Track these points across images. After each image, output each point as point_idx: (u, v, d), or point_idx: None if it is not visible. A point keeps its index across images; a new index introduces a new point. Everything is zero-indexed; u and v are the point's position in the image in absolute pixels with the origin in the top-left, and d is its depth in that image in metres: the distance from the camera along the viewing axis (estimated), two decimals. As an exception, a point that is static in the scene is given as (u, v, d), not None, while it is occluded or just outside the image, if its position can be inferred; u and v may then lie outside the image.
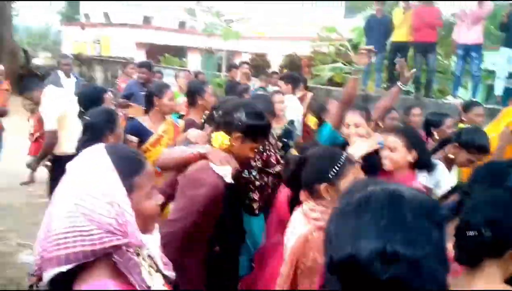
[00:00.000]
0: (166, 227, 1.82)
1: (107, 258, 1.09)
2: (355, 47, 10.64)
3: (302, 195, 1.85)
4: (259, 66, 19.26)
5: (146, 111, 3.61)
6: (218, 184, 1.98)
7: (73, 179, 1.11)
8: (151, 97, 3.52)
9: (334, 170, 1.72)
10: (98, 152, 1.16)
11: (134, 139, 3.39)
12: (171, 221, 1.95)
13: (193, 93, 3.77)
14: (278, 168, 2.88)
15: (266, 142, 2.87)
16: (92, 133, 2.54)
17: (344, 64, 11.63)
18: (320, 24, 15.96)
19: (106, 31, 23.75)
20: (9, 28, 15.96)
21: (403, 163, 2.44)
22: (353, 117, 2.82)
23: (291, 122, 4.06)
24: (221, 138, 2.06)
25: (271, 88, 8.18)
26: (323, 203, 1.73)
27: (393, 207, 0.84)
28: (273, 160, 2.89)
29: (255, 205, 2.69)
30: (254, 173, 2.73)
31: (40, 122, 5.96)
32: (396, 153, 2.44)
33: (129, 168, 1.15)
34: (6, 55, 15.45)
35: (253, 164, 2.72)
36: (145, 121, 3.52)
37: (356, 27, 10.30)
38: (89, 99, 3.24)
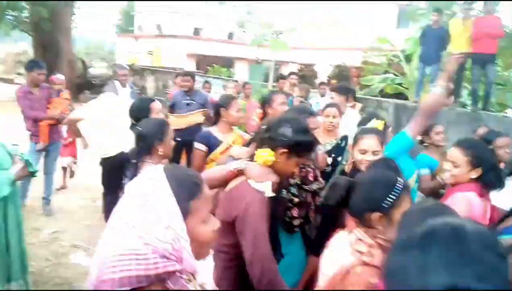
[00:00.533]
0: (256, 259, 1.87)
1: (160, 284, 1.07)
2: (408, 58, 10.34)
3: (349, 222, 1.72)
4: (306, 76, 19.21)
5: (215, 122, 3.72)
6: (260, 198, 1.95)
7: (131, 201, 1.10)
8: (218, 108, 3.64)
9: (389, 199, 1.57)
10: (156, 174, 1.13)
11: (203, 148, 3.50)
12: (252, 252, 1.93)
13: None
14: (315, 186, 2.75)
15: None
16: (143, 143, 2.67)
17: (396, 75, 11.32)
18: (371, 34, 15.71)
19: (158, 42, 24.48)
20: (68, 40, 16.77)
21: (463, 179, 2.34)
22: (371, 142, 2.59)
23: (344, 138, 3.83)
24: (265, 154, 2.01)
25: (317, 98, 8.11)
26: (373, 232, 1.60)
27: (459, 241, 0.82)
28: (310, 177, 2.76)
29: (296, 222, 2.59)
30: (292, 190, 2.63)
31: (72, 127, 6.25)
32: (458, 169, 2.34)
33: (186, 191, 1.12)
34: (65, 65, 16.24)
35: (292, 181, 2.62)
36: (214, 131, 3.62)
37: (409, 38, 10.01)
38: (138, 110, 3.33)
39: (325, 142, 3.58)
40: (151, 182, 1.11)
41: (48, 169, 5.53)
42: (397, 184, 1.59)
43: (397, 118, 8.12)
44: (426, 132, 3.72)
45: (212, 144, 3.53)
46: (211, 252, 1.26)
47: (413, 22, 11.75)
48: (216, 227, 1.21)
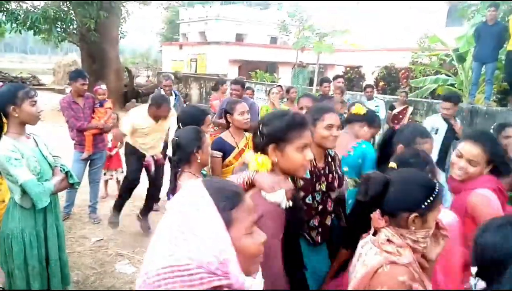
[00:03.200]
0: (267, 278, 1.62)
1: None
2: (460, 57, 9.79)
3: (379, 220, 1.66)
4: (353, 79, 18.79)
5: (227, 128, 3.74)
6: (274, 211, 1.75)
7: (174, 216, 1.08)
8: (225, 114, 3.66)
9: (428, 200, 1.58)
10: (196, 187, 1.11)
11: (219, 154, 3.49)
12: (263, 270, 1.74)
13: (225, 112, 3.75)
14: (334, 195, 2.59)
15: (332, 162, 2.62)
16: (182, 152, 2.65)
17: (448, 76, 10.77)
18: (420, 34, 15.16)
19: (201, 49, 24.81)
20: (116, 49, 17.25)
21: (476, 176, 2.31)
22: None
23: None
24: (260, 160, 1.83)
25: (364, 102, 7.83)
26: (403, 232, 1.60)
27: None
28: (335, 183, 2.60)
29: (313, 233, 2.46)
30: (318, 197, 2.48)
31: (117, 137, 6.34)
32: (476, 167, 2.30)
33: (226, 201, 1.09)
34: (112, 75, 16.72)
35: (318, 187, 2.47)
36: (227, 137, 3.61)
37: (462, 36, 9.47)
38: (191, 118, 3.27)
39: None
40: (191, 195, 1.10)
41: (94, 177, 5.59)
42: (436, 186, 1.62)
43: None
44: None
45: (227, 150, 3.52)
46: (259, 268, 1.21)
47: (466, 19, 11.19)
48: (262, 240, 1.17)
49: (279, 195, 1.75)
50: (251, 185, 1.84)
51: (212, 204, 1.06)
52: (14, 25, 14.46)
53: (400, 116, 7.98)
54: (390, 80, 15.98)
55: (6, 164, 2.49)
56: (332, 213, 2.60)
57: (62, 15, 15.05)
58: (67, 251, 4.42)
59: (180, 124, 3.05)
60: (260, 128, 1.88)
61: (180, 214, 1.06)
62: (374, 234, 1.70)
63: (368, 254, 1.65)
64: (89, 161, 5.45)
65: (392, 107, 8.15)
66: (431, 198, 1.58)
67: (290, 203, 1.79)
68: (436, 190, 1.61)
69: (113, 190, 6.62)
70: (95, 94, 5.62)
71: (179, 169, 2.66)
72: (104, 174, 6.46)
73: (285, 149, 1.82)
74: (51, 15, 14.11)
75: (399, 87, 14.40)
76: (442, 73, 11.15)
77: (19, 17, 14.26)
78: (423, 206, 1.57)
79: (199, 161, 2.68)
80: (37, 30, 14.66)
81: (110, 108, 5.70)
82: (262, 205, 1.70)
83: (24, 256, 2.66)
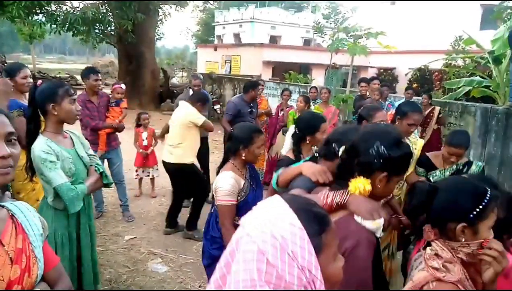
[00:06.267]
0: None
1: None
2: (496, 59, 9.47)
3: (429, 232, 1.56)
4: (386, 81, 18.43)
5: None
6: (370, 240, 1.55)
7: (255, 236, 0.94)
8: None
9: (477, 209, 1.45)
10: (279, 206, 0.98)
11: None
12: None
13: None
14: None
15: None
16: (232, 144, 2.85)
17: (483, 78, 10.42)
18: (452, 37, 14.79)
19: (236, 51, 24.91)
20: (152, 50, 17.56)
21: None
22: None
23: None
24: (362, 186, 1.60)
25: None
26: (454, 245, 1.49)
27: None
28: None
29: None
30: None
31: (151, 136, 6.41)
32: None
33: (316, 224, 0.97)
34: (148, 75, 17.02)
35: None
36: None
37: (497, 38, 9.17)
38: (306, 124, 2.97)
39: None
40: (275, 214, 0.96)
41: (118, 177, 5.54)
42: (486, 194, 1.48)
43: (485, 123, 7.41)
44: None
45: None
46: None
47: (501, 22, 10.79)
48: (342, 264, 1.07)
49: (378, 224, 1.57)
50: (340, 207, 1.65)
51: (301, 227, 0.94)
52: (54, 26, 14.86)
53: (428, 119, 7.74)
54: (423, 82, 15.65)
55: (41, 166, 2.45)
56: None
57: (100, 16, 15.41)
58: (101, 249, 4.54)
59: (296, 129, 2.96)
60: (379, 148, 1.60)
61: (263, 236, 0.93)
62: (427, 246, 1.59)
63: (418, 269, 1.56)
64: (105, 160, 5.41)
65: (402, 111, 7.92)
66: (481, 206, 1.45)
67: (382, 234, 1.65)
68: (487, 197, 1.47)
69: (147, 189, 6.72)
70: (113, 92, 5.61)
71: (227, 158, 2.89)
72: (142, 172, 6.56)
73: (392, 179, 1.64)
74: (89, 16, 14.47)
75: (433, 89, 14.04)
76: (476, 76, 10.81)
77: (58, 18, 14.64)
78: (471, 215, 1.45)
79: (243, 157, 2.83)
80: (75, 31, 15.05)
81: (126, 108, 5.66)
82: (355, 232, 1.55)
83: (56, 256, 2.64)
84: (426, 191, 1.56)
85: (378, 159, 1.59)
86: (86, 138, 5.28)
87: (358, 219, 1.57)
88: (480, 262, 1.47)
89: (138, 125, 6.56)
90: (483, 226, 1.46)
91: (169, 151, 5.07)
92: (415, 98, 9.24)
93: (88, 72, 5.25)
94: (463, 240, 1.47)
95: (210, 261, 3.05)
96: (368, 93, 7.70)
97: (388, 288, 1.96)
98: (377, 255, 1.63)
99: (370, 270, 1.54)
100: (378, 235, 1.60)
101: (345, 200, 1.62)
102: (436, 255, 1.49)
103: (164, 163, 5.15)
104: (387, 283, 1.96)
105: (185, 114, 5.04)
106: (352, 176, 1.65)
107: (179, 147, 4.99)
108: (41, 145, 2.47)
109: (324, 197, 1.68)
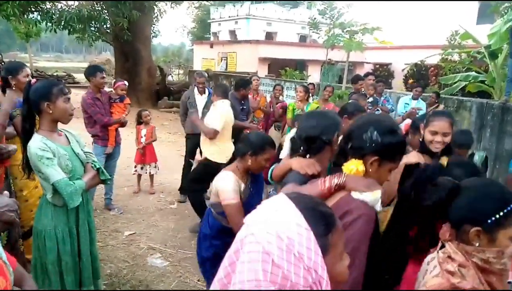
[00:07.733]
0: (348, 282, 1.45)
1: None
2: (492, 54, 9.52)
3: (446, 232, 1.50)
4: (382, 76, 18.50)
5: None
6: (369, 214, 1.60)
7: (260, 236, 0.93)
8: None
9: (497, 215, 1.35)
10: (284, 205, 0.98)
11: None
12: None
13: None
14: None
15: None
16: (242, 147, 2.89)
17: (479, 73, 10.48)
18: (448, 32, 14.83)
19: (232, 48, 24.93)
20: (148, 48, 17.55)
21: None
22: (444, 125, 2.64)
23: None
24: (354, 167, 1.70)
25: (407, 100, 7.69)
26: (470, 249, 1.40)
27: None
28: None
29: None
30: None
31: (150, 133, 6.46)
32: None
33: (323, 224, 0.97)
34: (145, 73, 17.01)
35: None
36: None
37: (494, 32, 9.21)
38: (326, 128, 3.03)
39: None
40: (280, 214, 0.96)
41: (111, 171, 5.53)
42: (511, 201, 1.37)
43: (480, 118, 7.48)
44: None
45: None
46: None
47: (498, 16, 10.85)
48: (347, 263, 1.06)
49: (376, 195, 1.62)
50: (339, 189, 1.71)
51: (307, 228, 0.93)
52: (49, 24, 14.85)
53: None
54: (419, 78, 15.71)
55: (38, 163, 2.44)
56: None
57: (96, 14, 15.39)
58: (101, 244, 4.59)
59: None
60: (372, 133, 1.69)
61: (268, 235, 0.92)
62: (442, 248, 1.52)
63: (432, 273, 1.47)
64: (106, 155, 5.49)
65: (415, 125, 7.86)
66: (502, 213, 1.35)
67: (382, 209, 1.69)
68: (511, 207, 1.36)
69: (146, 185, 6.77)
70: (116, 89, 5.67)
71: (237, 158, 2.94)
72: (141, 168, 6.61)
73: (384, 164, 1.71)
74: (84, 14, 14.46)
75: (429, 84, 14.09)
76: (472, 70, 10.88)
77: (53, 16, 14.64)
78: (489, 221, 1.36)
79: (248, 163, 2.85)
80: (71, 29, 15.05)
81: (129, 103, 5.79)
82: (356, 207, 1.60)
83: (58, 252, 2.63)
84: (448, 188, 1.49)
85: (371, 143, 1.68)
86: (96, 135, 5.36)
87: (357, 194, 1.63)
88: (497, 269, 1.39)
89: (139, 123, 6.61)
90: (503, 235, 1.36)
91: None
92: (410, 93, 9.28)
93: (94, 70, 5.32)
94: (477, 244, 1.39)
95: (200, 261, 3.11)
96: (363, 89, 7.72)
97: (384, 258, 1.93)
98: (376, 231, 1.66)
99: (366, 244, 1.57)
100: (378, 209, 1.64)
101: (343, 180, 1.69)
102: (449, 257, 1.44)
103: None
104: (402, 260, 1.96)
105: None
106: (346, 160, 1.76)
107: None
108: (37, 143, 2.46)
109: (321, 183, 1.74)
